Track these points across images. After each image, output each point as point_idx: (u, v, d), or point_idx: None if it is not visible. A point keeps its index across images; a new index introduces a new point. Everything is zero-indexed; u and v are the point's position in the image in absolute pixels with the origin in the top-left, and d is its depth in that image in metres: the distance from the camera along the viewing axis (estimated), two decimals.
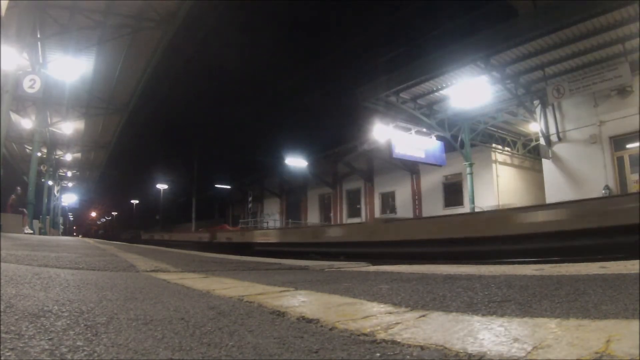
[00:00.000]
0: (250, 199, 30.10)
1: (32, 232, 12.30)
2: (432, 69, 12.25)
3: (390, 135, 14.97)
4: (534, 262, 2.94)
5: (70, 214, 50.36)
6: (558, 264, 2.55)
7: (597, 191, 11.53)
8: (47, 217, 23.32)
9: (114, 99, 17.55)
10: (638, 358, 0.68)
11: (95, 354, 0.79)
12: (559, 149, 13.09)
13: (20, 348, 0.81)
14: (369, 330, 0.97)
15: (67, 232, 41.01)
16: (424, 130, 15.96)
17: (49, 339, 0.87)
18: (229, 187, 34.30)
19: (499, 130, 17.52)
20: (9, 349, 0.79)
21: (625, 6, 8.92)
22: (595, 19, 9.50)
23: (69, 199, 37.06)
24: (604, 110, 12.08)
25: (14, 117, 16.89)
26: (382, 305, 1.32)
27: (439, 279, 2.06)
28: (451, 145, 15.99)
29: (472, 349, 0.79)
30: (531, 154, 18.13)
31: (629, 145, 11.76)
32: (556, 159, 13.09)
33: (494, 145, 17.21)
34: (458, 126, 15.19)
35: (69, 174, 31.24)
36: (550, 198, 12.49)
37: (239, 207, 35.44)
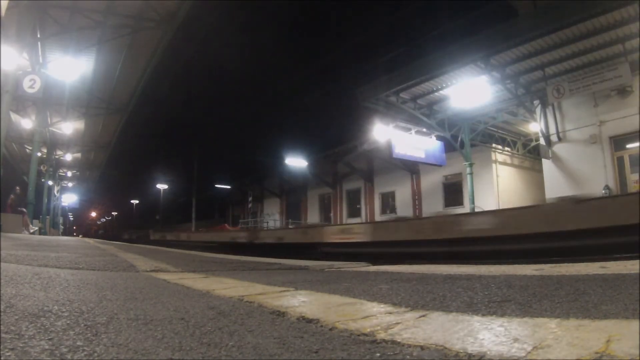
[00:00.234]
0: (250, 199, 30.10)
1: (36, 229, 12.29)
2: (432, 69, 12.25)
3: (390, 135, 14.97)
4: (534, 262, 2.94)
5: (70, 214, 50.34)
6: (558, 264, 2.55)
7: (597, 191, 11.53)
8: (47, 217, 23.32)
9: (114, 99, 17.55)
10: (638, 358, 0.68)
11: (95, 354, 0.79)
12: (559, 149, 13.09)
13: (20, 348, 0.81)
14: (369, 330, 0.97)
15: (67, 232, 40.99)
16: (424, 130, 15.96)
17: (49, 339, 0.87)
18: (229, 187, 34.30)
19: (499, 130, 17.52)
20: (9, 349, 0.79)
21: (625, 6, 8.91)
22: (595, 19, 9.49)
23: (69, 199, 37.04)
24: (604, 110, 12.08)
25: (14, 117, 16.89)
26: (382, 305, 1.32)
27: (439, 279, 2.06)
28: (451, 145, 15.99)
29: (472, 349, 0.79)
30: (531, 154, 18.13)
31: (629, 145, 11.76)
32: (556, 159, 13.09)
33: (494, 145, 17.21)
34: (458, 126, 15.19)
35: (69, 174, 31.24)
36: (551, 198, 12.49)
37: (239, 207, 35.43)
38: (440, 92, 13.71)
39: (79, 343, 0.86)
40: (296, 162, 23.35)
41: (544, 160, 13.56)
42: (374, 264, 3.51)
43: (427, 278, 2.11)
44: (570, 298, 1.29)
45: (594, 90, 11.38)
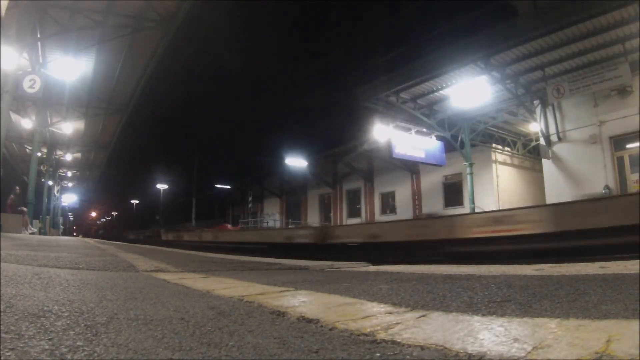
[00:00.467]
0: (250, 199, 30.10)
1: (34, 230, 12.29)
2: (432, 69, 12.25)
3: (390, 135, 14.98)
4: (534, 262, 2.94)
5: (70, 214, 50.36)
6: (558, 264, 2.55)
7: (597, 191, 11.53)
8: (47, 217, 23.33)
9: (114, 99, 17.55)
10: (638, 358, 0.68)
11: (95, 354, 0.79)
12: (559, 149, 13.09)
13: (20, 348, 0.81)
14: (369, 330, 0.97)
15: (67, 232, 41.00)
16: (424, 130, 15.96)
17: (49, 339, 0.87)
18: (229, 187, 34.30)
19: (499, 130, 17.52)
20: (9, 349, 0.79)
21: (625, 6, 8.91)
22: (595, 19, 9.50)
23: (69, 199, 37.05)
24: (604, 110, 12.08)
25: (14, 117, 16.89)
26: (382, 305, 1.32)
27: (439, 279, 2.06)
28: (451, 145, 15.99)
29: (472, 349, 0.79)
30: (531, 154, 18.13)
31: (629, 145, 11.76)
32: (556, 159, 13.09)
33: (494, 145, 17.21)
34: (458, 126, 15.19)
35: (69, 174, 31.25)
36: (550, 198, 12.49)
37: (239, 207, 35.42)
38: (440, 92, 13.71)
39: (79, 343, 0.86)
40: (296, 162, 23.35)
41: (544, 160, 13.56)
42: (374, 264, 3.51)
43: (427, 278, 2.11)
44: (570, 298, 1.29)
45: (594, 90, 11.38)
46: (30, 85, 10.32)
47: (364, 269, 2.99)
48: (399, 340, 0.88)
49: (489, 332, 0.92)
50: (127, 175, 44.60)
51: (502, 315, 1.09)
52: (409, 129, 15.62)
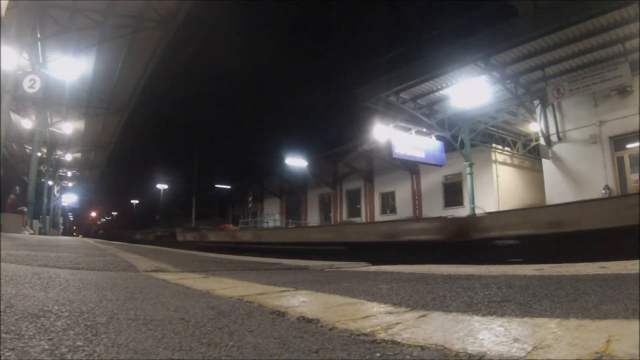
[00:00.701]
0: (250, 199, 30.10)
1: (32, 232, 12.30)
2: (432, 69, 12.25)
3: (390, 135, 14.98)
4: (534, 262, 2.93)
5: (70, 214, 50.35)
6: (558, 264, 2.55)
7: (597, 191, 11.54)
8: (47, 217, 23.32)
9: (114, 99, 17.55)
10: (638, 358, 0.68)
11: (95, 354, 0.79)
12: (559, 149, 13.10)
13: (20, 348, 0.81)
14: (369, 330, 0.97)
15: (67, 232, 41.00)
16: (424, 130, 15.96)
17: (49, 339, 0.87)
18: (229, 187, 34.28)
19: (499, 130, 17.52)
20: (9, 349, 0.79)
21: (625, 6, 8.91)
22: (595, 19, 9.50)
23: (69, 199, 37.05)
24: (604, 110, 12.08)
25: (14, 117, 16.89)
26: (382, 305, 1.32)
27: (439, 279, 2.06)
28: (451, 145, 15.99)
29: (472, 349, 0.79)
30: (531, 154, 18.13)
31: (629, 145, 11.76)
32: (556, 159, 13.09)
33: (494, 145, 17.22)
34: (458, 126, 15.19)
35: (69, 174, 31.24)
36: (550, 198, 12.49)
37: (239, 207, 35.41)
38: (440, 92, 13.71)
39: (79, 343, 0.86)
40: (296, 162, 23.36)
41: (544, 160, 13.56)
42: (374, 263, 3.51)
43: (427, 278, 2.11)
44: (570, 298, 1.29)
45: (594, 90, 11.39)
46: (30, 85, 10.32)
47: (364, 269, 2.99)
48: (399, 340, 0.88)
49: (489, 332, 0.92)
50: (127, 175, 44.66)
51: (502, 315, 1.09)
52: (409, 129, 15.63)
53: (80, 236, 33.65)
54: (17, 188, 13.18)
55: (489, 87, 12.43)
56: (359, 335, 0.94)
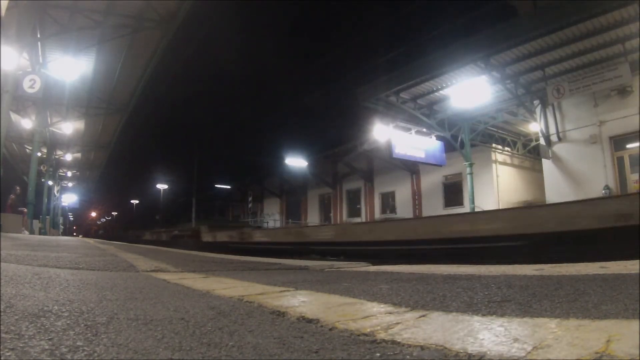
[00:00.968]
0: (250, 199, 30.10)
1: (28, 233, 12.28)
2: (432, 69, 12.26)
3: (390, 135, 14.98)
4: (534, 262, 2.93)
5: (70, 214, 50.37)
6: (558, 264, 2.55)
7: (597, 191, 11.54)
8: (47, 217, 23.32)
9: (114, 99, 17.55)
10: (638, 358, 0.68)
11: (95, 354, 0.79)
12: (559, 149, 13.10)
13: (20, 348, 0.80)
14: (369, 330, 0.97)
15: (67, 232, 41.02)
16: (424, 130, 15.97)
17: (49, 339, 0.87)
18: (229, 187, 34.29)
19: (499, 130, 17.52)
20: (9, 349, 0.79)
21: (625, 6, 8.92)
22: (595, 19, 9.50)
23: (69, 199, 37.06)
24: (604, 110, 12.09)
25: (14, 117, 16.90)
26: (382, 305, 1.31)
27: (439, 279, 2.06)
28: (451, 145, 16.00)
29: (472, 349, 0.79)
30: (531, 154, 18.13)
31: (629, 145, 11.77)
32: (556, 159, 13.09)
33: (494, 145, 17.22)
34: (458, 126, 15.20)
35: (69, 174, 31.25)
36: (550, 198, 12.49)
37: (239, 207, 35.42)
38: (440, 92, 13.71)
39: (79, 343, 0.86)
40: (296, 162, 23.36)
41: (544, 160, 13.56)
42: (374, 263, 3.50)
43: (427, 278, 2.11)
44: (570, 298, 1.29)
45: (594, 90, 11.39)
46: (30, 85, 10.32)
47: (364, 269, 2.99)
48: (399, 340, 0.88)
49: (489, 332, 0.92)
50: (127, 175, 44.62)
51: (502, 315, 1.09)
52: (409, 129, 15.63)
53: (80, 236, 33.66)
54: (17, 188, 13.19)
55: (489, 87, 12.43)
56: (359, 335, 0.94)
